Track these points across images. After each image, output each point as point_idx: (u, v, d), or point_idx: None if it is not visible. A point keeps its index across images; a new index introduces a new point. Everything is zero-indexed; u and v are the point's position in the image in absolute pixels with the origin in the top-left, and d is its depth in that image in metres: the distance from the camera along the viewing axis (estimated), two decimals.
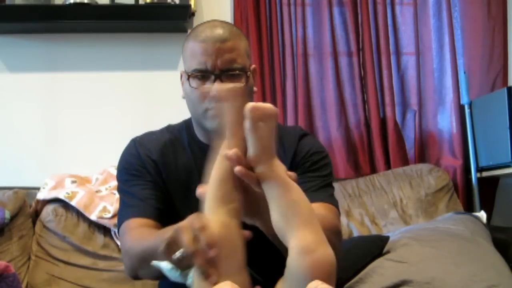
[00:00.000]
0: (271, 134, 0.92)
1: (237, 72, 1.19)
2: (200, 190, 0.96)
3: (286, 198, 0.90)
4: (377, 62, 2.53)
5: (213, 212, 0.93)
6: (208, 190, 0.96)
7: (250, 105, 0.89)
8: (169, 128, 1.36)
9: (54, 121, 2.48)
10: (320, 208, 1.18)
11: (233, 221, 0.93)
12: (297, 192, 0.92)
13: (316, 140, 1.38)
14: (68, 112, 2.49)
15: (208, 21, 1.27)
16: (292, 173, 0.94)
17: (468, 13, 2.56)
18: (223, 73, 1.18)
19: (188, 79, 1.20)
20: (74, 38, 2.50)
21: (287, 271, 0.86)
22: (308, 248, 0.84)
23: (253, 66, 1.28)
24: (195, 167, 1.28)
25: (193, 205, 1.26)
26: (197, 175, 1.27)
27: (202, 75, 1.19)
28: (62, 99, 2.49)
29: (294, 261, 0.85)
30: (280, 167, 0.92)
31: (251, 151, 0.92)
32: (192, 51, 1.20)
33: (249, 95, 1.23)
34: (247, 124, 0.90)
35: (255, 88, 1.29)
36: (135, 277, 1.21)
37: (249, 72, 1.22)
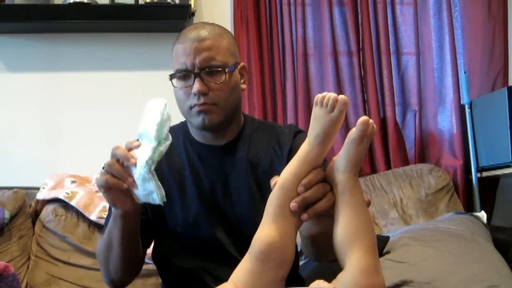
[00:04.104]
0: (365, 152, 0.96)
1: (217, 69, 1.22)
2: (273, 182, 0.99)
3: (360, 219, 0.94)
4: (377, 62, 2.53)
5: (275, 219, 0.95)
6: (275, 195, 0.97)
7: (365, 118, 0.92)
8: None
9: (54, 121, 2.48)
10: None
11: (292, 233, 0.95)
12: (369, 216, 0.96)
13: None
14: (68, 112, 2.49)
15: (194, 24, 1.30)
16: (367, 198, 0.99)
17: (468, 13, 2.56)
18: (202, 71, 1.21)
19: (171, 79, 1.25)
20: (74, 38, 2.50)
21: (339, 283, 0.90)
22: (369, 272, 0.90)
23: (242, 64, 1.30)
24: (187, 167, 1.29)
25: (184, 205, 1.27)
26: (190, 176, 1.28)
27: (184, 74, 1.22)
28: (62, 99, 2.49)
29: (352, 277, 0.90)
30: (360, 187, 0.97)
31: (343, 160, 0.95)
32: (175, 53, 1.25)
33: (231, 92, 1.25)
34: (354, 134, 0.93)
35: (244, 86, 1.31)
36: (113, 281, 1.27)
37: (227, 69, 1.23)
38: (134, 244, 1.23)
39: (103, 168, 1.06)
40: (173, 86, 1.25)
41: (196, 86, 1.20)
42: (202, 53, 1.20)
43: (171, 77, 1.25)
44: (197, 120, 1.23)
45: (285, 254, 0.94)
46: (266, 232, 0.94)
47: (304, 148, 0.98)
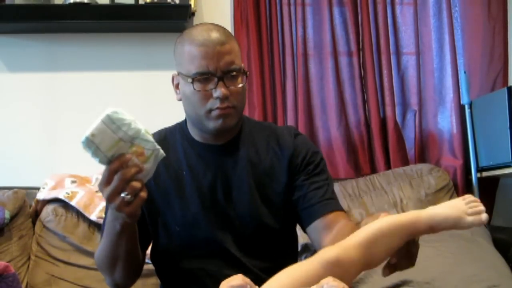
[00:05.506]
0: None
1: (237, 73, 1.24)
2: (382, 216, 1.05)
3: None
4: (377, 62, 2.53)
5: (363, 245, 0.97)
6: (377, 229, 1.00)
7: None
8: (161, 132, 1.38)
9: (54, 121, 2.48)
10: (340, 217, 1.27)
11: (360, 265, 0.97)
12: None
13: (309, 140, 1.41)
14: (68, 112, 2.49)
15: (201, 25, 1.30)
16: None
17: (468, 13, 2.56)
18: (225, 75, 1.21)
19: (192, 82, 1.22)
20: (74, 38, 2.50)
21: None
22: None
23: (242, 65, 1.31)
24: (186, 166, 1.30)
25: (182, 205, 1.27)
26: (188, 176, 1.29)
27: (205, 77, 1.22)
28: (62, 99, 2.49)
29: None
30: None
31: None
32: (190, 54, 1.23)
33: (245, 94, 1.28)
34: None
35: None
36: (118, 285, 1.29)
37: (247, 72, 1.26)
38: (137, 251, 1.25)
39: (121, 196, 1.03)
40: (193, 89, 1.22)
41: (222, 90, 1.20)
42: (225, 56, 1.21)
43: (193, 80, 1.22)
44: (215, 123, 1.23)
45: (343, 277, 0.94)
46: (348, 250, 0.95)
47: (414, 216, 1.01)
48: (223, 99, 1.20)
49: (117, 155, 1.01)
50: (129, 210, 1.03)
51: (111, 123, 1.01)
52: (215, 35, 1.22)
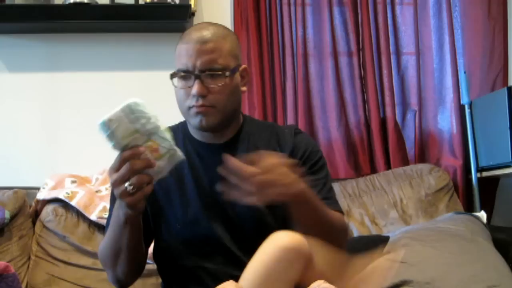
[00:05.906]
0: None
1: (218, 72, 1.23)
2: None
3: None
4: (377, 62, 2.53)
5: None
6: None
7: None
8: None
9: (54, 121, 2.48)
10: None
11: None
12: None
13: (310, 138, 1.41)
14: (68, 112, 2.49)
15: (198, 23, 1.32)
16: None
17: (468, 13, 2.56)
18: (203, 73, 1.22)
19: (172, 78, 1.26)
20: (74, 38, 2.50)
21: None
22: None
23: (243, 66, 1.31)
24: (187, 165, 1.30)
25: (183, 203, 1.28)
26: (189, 174, 1.30)
27: (184, 75, 1.24)
28: (62, 99, 2.49)
29: None
30: None
31: None
32: (178, 52, 1.26)
33: (231, 95, 1.26)
34: None
35: (244, 88, 1.32)
36: (120, 281, 1.28)
37: (228, 73, 1.24)
38: (140, 246, 1.25)
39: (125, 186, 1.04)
40: (173, 85, 1.26)
41: (195, 88, 1.21)
42: (204, 55, 1.21)
43: (172, 76, 1.26)
44: (195, 120, 1.25)
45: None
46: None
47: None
48: (198, 97, 1.22)
49: (131, 145, 1.03)
50: (130, 200, 1.05)
51: (130, 113, 1.02)
52: (201, 33, 1.24)
